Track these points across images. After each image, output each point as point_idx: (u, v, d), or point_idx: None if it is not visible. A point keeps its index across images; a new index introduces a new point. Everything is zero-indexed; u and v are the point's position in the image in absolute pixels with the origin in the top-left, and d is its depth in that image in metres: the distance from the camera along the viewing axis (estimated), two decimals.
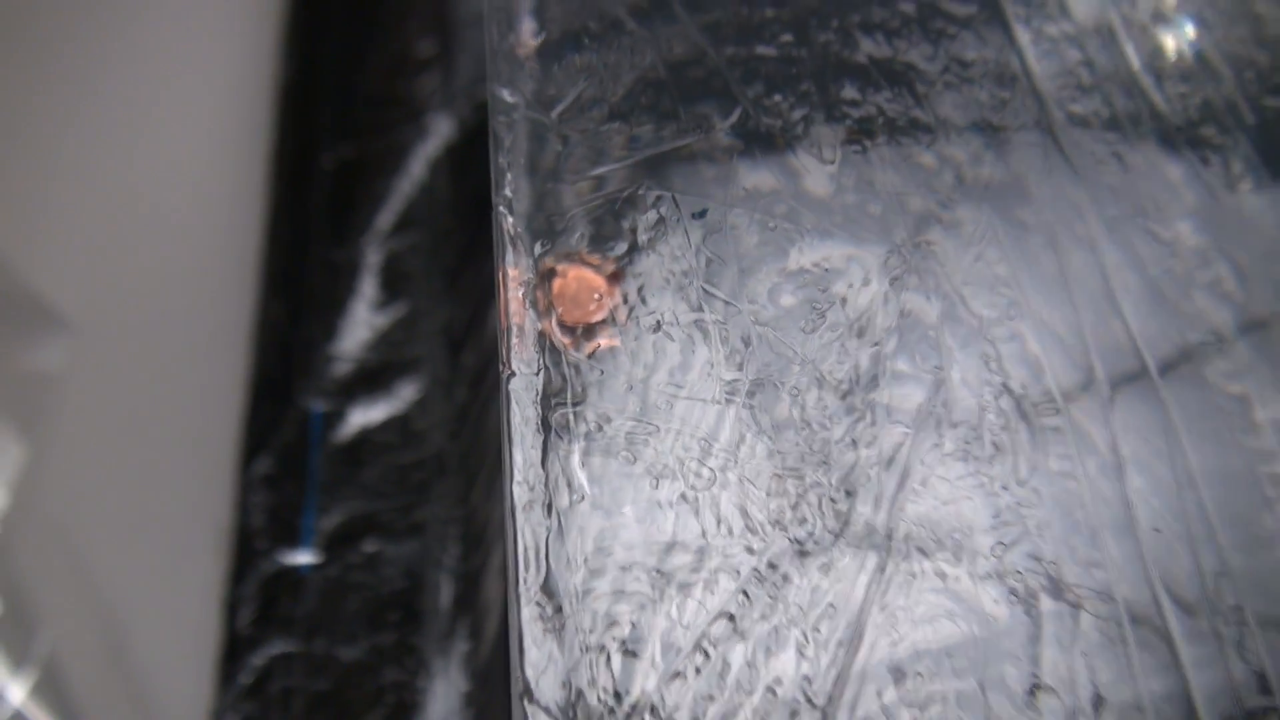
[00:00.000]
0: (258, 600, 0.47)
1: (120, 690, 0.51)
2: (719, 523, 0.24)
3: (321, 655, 0.45)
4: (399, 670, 0.45)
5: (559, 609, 0.23)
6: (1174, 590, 0.23)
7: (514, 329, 0.26)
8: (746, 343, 0.25)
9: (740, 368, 0.25)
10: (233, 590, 0.47)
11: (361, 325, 0.54)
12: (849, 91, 0.30)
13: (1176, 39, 0.32)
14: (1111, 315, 0.27)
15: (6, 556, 0.54)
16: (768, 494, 0.24)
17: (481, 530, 0.49)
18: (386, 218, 0.57)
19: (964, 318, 0.26)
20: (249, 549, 0.48)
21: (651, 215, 0.27)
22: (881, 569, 0.23)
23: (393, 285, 0.55)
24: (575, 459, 0.24)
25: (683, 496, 0.24)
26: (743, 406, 0.25)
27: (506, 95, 0.31)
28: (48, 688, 0.51)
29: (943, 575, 0.23)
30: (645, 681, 0.22)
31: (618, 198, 0.28)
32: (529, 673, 0.22)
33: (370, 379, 0.52)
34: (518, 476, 0.24)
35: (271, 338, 0.54)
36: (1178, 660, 0.22)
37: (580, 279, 0.26)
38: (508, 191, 0.29)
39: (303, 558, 0.48)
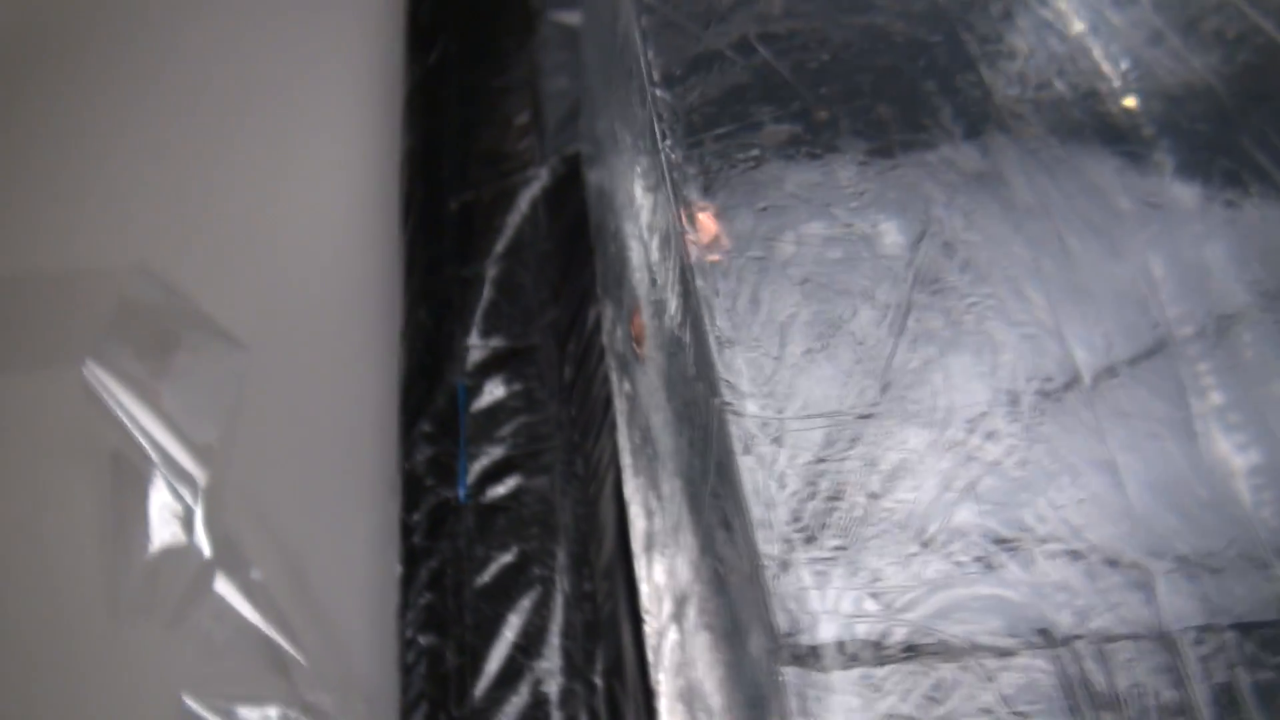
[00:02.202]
0: (428, 523, 0.61)
1: (316, 606, 0.65)
2: None
3: (481, 557, 0.59)
4: (541, 568, 0.59)
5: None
6: None
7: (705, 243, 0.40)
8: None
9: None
10: (408, 518, 0.62)
11: (489, 322, 0.69)
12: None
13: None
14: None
15: (214, 517, 0.69)
16: None
17: (595, 468, 0.63)
18: (502, 244, 0.73)
19: None
20: (417, 487, 0.63)
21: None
22: None
23: (511, 293, 0.71)
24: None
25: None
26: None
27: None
28: (262, 602, 0.65)
29: None
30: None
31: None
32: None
33: (500, 362, 0.68)
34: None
35: (419, 336, 0.69)
36: None
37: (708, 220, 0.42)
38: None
39: (459, 491, 0.62)
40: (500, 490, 0.62)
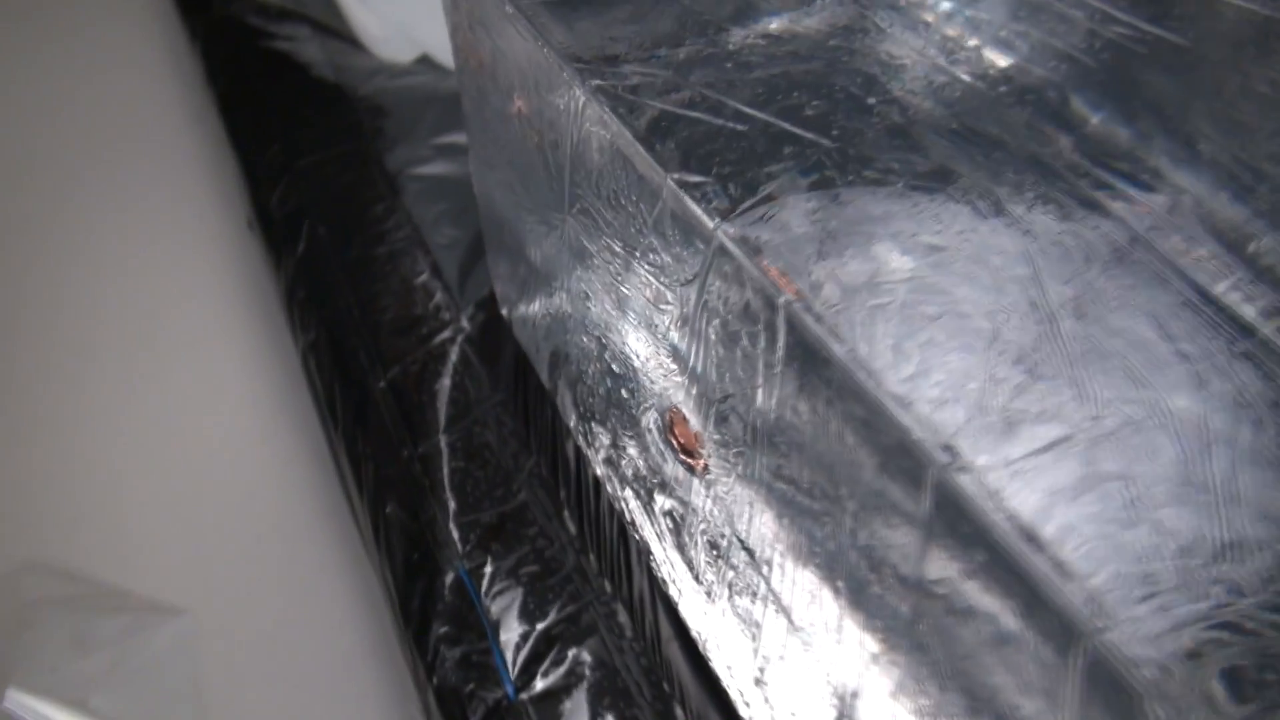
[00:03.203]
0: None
1: None
2: None
3: None
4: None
5: None
6: None
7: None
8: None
9: None
10: None
11: (467, 494, 0.63)
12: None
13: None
14: None
15: None
16: None
17: (641, 608, 0.57)
18: (449, 409, 0.67)
19: None
20: (456, 699, 0.54)
21: None
22: None
23: (478, 457, 0.65)
24: None
25: None
26: None
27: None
28: None
29: None
30: None
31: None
32: None
33: (494, 532, 0.61)
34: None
35: (397, 533, 0.62)
36: None
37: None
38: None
39: (507, 689, 0.54)
40: (552, 670, 0.55)
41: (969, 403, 0.27)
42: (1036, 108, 0.39)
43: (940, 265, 0.31)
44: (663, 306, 0.43)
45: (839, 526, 0.33)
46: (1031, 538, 0.24)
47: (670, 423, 0.47)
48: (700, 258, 0.37)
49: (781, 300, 0.31)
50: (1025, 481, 0.25)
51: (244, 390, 0.79)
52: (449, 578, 0.59)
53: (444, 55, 0.96)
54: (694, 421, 0.45)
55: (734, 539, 0.45)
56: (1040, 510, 0.25)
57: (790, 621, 0.42)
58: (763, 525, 0.41)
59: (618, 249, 0.45)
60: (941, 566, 0.28)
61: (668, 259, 0.40)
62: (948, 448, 0.26)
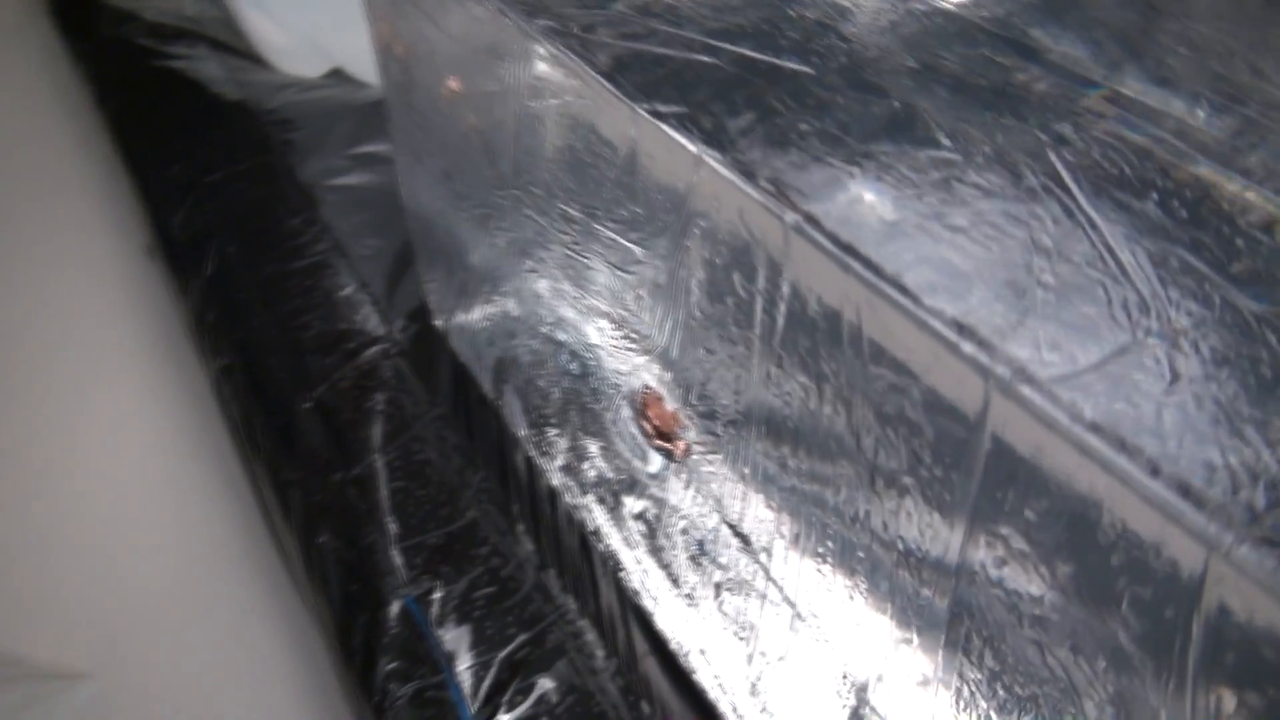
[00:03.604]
0: None
1: None
2: None
3: None
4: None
5: None
6: None
7: None
8: None
9: None
10: None
11: (409, 516, 0.57)
12: None
13: None
14: None
15: None
16: None
17: (611, 623, 0.52)
18: (384, 426, 0.61)
19: None
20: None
21: None
22: None
23: (418, 475, 0.59)
24: None
25: None
26: None
27: None
28: None
29: None
30: None
31: None
32: None
33: (443, 553, 0.55)
34: None
35: (331, 564, 0.55)
36: None
37: None
38: None
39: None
40: (518, 700, 0.49)
41: (1017, 313, 0.24)
42: (996, 40, 0.36)
43: (947, 183, 0.28)
44: (631, 269, 0.38)
45: (863, 488, 0.29)
46: (1128, 449, 0.21)
47: (643, 405, 0.43)
48: (678, 199, 0.33)
49: (789, 219, 0.27)
50: (1099, 390, 0.22)
51: (148, 428, 0.72)
52: (394, 608, 0.53)
53: (359, 67, 0.91)
54: (671, 399, 0.40)
55: (722, 529, 0.41)
56: (1125, 419, 0.21)
57: (796, 613, 0.38)
58: (761, 506, 0.37)
59: (575, 214, 0.41)
60: (1007, 511, 0.24)
61: (638, 209, 0.36)
62: (1009, 360, 0.23)
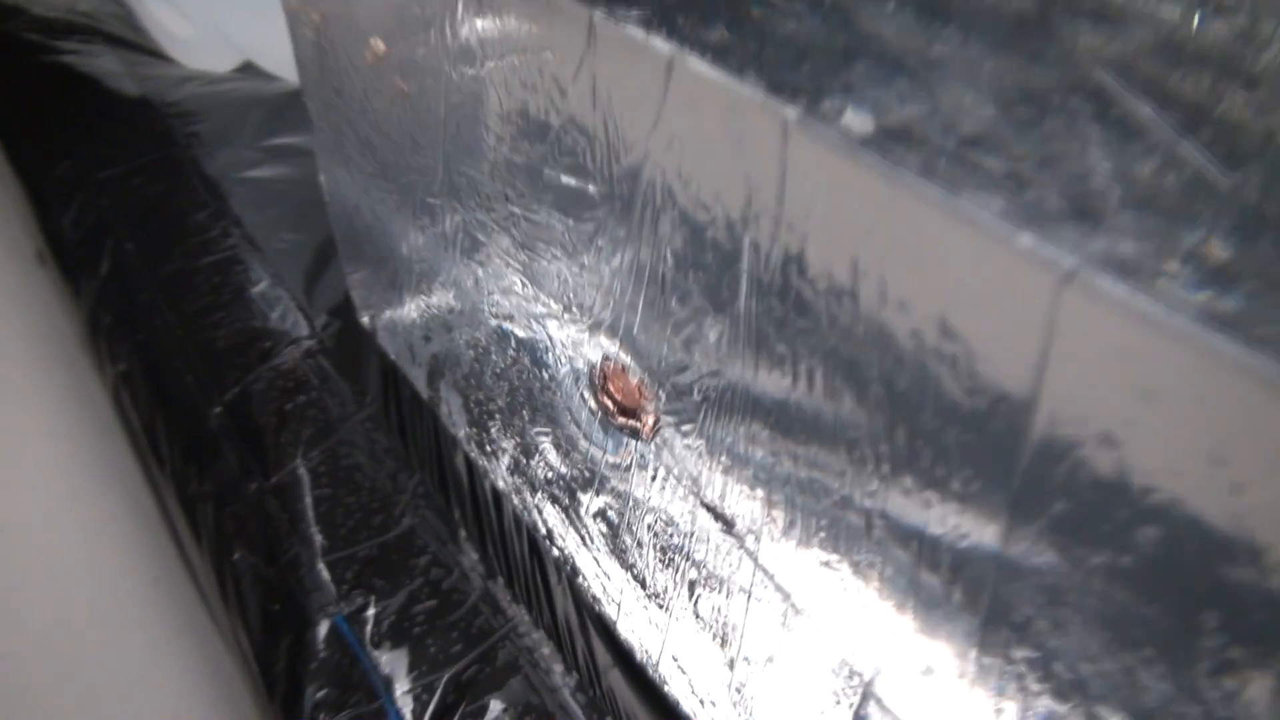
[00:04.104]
0: None
1: None
2: None
3: None
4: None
5: None
6: None
7: None
8: None
9: None
10: None
11: (338, 526, 0.51)
12: None
13: None
14: None
15: None
16: None
17: (569, 632, 0.47)
18: (308, 430, 0.55)
19: None
20: None
21: None
22: None
23: (347, 481, 0.53)
24: None
25: None
26: None
27: None
28: None
29: None
30: None
31: None
32: None
33: (376, 566, 0.49)
34: None
35: (249, 582, 0.49)
36: None
37: None
38: None
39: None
40: None
41: (1071, 202, 0.20)
42: None
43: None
44: (586, 219, 0.34)
45: (880, 442, 0.25)
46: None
47: (603, 380, 0.38)
48: (645, 122, 0.28)
49: (789, 115, 0.23)
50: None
51: (39, 444, 0.64)
52: (322, 629, 0.46)
53: (271, 60, 0.85)
54: (637, 368, 0.36)
55: (699, 516, 0.36)
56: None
57: (791, 605, 0.33)
58: (748, 481, 0.32)
59: (521, 175, 0.36)
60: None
61: (598, 134, 0.31)
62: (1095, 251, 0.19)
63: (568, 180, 0.34)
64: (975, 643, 0.26)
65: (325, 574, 0.48)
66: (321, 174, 0.59)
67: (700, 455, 0.34)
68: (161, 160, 0.73)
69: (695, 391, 0.32)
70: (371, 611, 0.47)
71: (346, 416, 0.56)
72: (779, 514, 0.31)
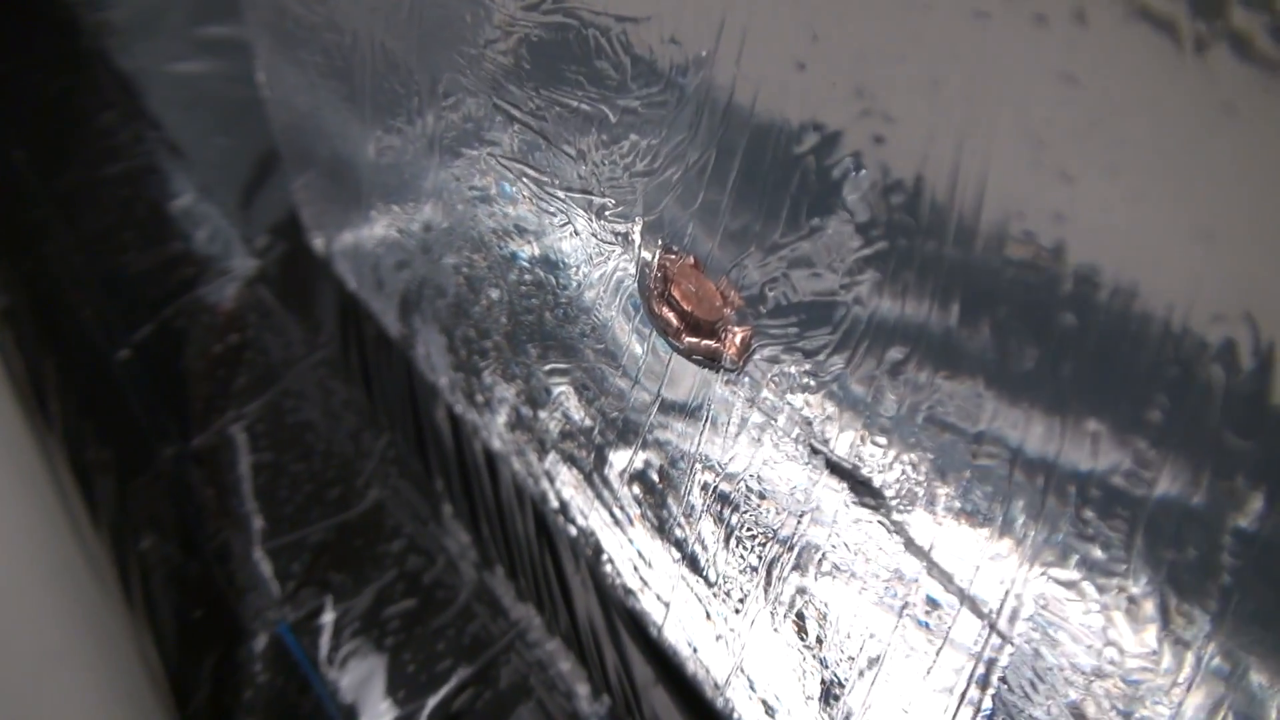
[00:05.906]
0: None
1: None
2: None
3: None
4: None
5: None
6: None
7: None
8: None
9: None
10: None
11: (279, 506, 0.39)
12: None
13: None
14: None
15: None
16: None
17: (597, 642, 0.35)
18: (243, 379, 0.43)
19: None
20: None
21: None
22: None
23: (294, 445, 0.41)
24: None
25: None
26: None
27: None
28: None
29: None
30: None
31: None
32: None
33: (331, 558, 0.37)
34: None
35: (160, 578, 0.37)
36: None
37: None
38: None
39: None
40: None
41: None
42: None
43: None
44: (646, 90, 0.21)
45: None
46: None
47: (664, 285, 0.26)
48: None
49: None
50: None
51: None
52: (259, 642, 0.34)
53: None
54: (724, 258, 0.24)
55: (798, 476, 0.24)
56: None
57: (965, 596, 0.21)
58: (906, 421, 0.20)
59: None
60: None
61: None
62: None
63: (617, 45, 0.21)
64: None
65: (264, 567, 0.36)
66: (260, 64, 0.46)
67: (830, 392, 0.22)
68: (61, 53, 0.60)
69: (834, 283, 0.20)
70: (327, 617, 0.35)
71: (293, 361, 0.44)
72: (936, 460, 0.19)
